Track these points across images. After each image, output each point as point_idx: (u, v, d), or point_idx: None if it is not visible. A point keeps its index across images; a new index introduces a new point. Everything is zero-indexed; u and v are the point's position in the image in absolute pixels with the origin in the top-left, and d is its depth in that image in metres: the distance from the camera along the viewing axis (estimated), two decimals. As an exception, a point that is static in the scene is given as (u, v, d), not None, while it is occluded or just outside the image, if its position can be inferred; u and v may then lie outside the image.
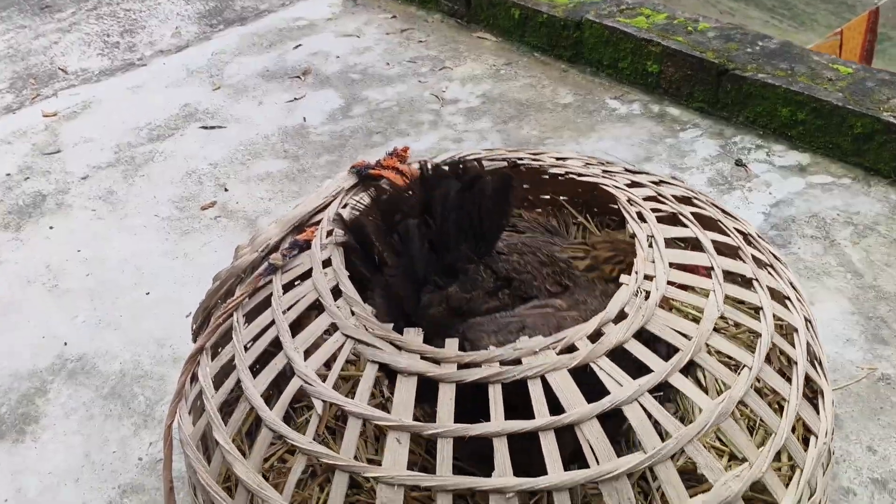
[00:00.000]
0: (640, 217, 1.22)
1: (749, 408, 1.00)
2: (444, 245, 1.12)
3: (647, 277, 1.10)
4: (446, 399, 0.98)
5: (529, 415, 0.96)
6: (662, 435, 0.96)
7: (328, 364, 1.06)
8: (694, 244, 1.23)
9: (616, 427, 1.01)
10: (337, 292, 1.11)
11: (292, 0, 3.43)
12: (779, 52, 2.44)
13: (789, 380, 1.08)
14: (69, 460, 1.55)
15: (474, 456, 1.06)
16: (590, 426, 0.95)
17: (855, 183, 2.12)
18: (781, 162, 2.24)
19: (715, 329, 1.05)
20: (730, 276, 1.15)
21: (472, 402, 1.02)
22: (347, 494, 0.98)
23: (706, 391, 1.34)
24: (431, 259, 1.11)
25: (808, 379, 1.09)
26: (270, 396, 1.29)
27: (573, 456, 0.97)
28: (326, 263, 1.15)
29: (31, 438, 1.60)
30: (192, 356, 1.19)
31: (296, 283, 1.18)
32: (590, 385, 1.00)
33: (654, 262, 1.13)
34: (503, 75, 2.79)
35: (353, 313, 1.07)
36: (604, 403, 0.96)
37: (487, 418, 0.96)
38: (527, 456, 0.95)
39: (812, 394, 1.11)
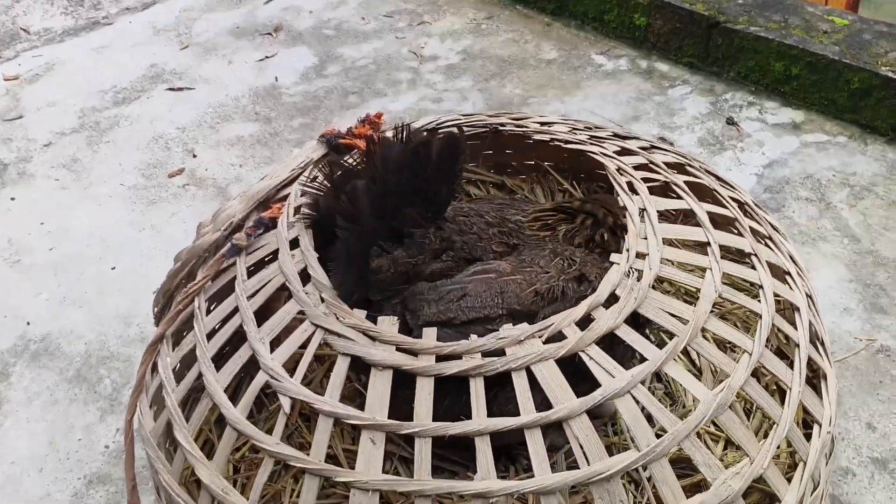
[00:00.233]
0: (631, 188, 1.13)
1: (749, 395, 0.94)
2: (391, 209, 1.07)
3: (640, 255, 1.02)
4: (424, 394, 0.90)
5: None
6: (656, 429, 0.90)
7: (298, 355, 0.98)
8: (688, 216, 1.16)
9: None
10: (306, 276, 1.03)
11: (263, -48, 3.28)
12: (771, 4, 2.34)
13: (790, 362, 1.02)
14: (32, 448, 1.47)
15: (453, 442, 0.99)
16: (579, 423, 0.88)
17: (851, 141, 2.04)
18: (774, 120, 2.16)
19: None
20: (727, 252, 1.08)
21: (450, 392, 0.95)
22: (323, 487, 0.91)
23: (700, 372, 1.28)
24: (379, 223, 1.06)
25: (809, 361, 1.02)
26: (241, 383, 1.23)
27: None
28: (294, 244, 1.07)
29: (-8, 425, 1.53)
30: (151, 345, 1.11)
31: (264, 263, 1.10)
32: (574, 369, 0.93)
33: (646, 238, 1.05)
34: (484, 30, 2.67)
35: (322, 300, 0.99)
36: (595, 397, 0.89)
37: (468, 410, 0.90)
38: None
39: (813, 374, 1.05)
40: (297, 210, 1.10)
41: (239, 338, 1.02)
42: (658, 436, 0.87)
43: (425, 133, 1.17)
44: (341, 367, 0.93)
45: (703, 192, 1.19)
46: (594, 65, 2.44)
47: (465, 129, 1.40)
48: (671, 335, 0.95)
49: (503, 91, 2.37)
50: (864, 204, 1.84)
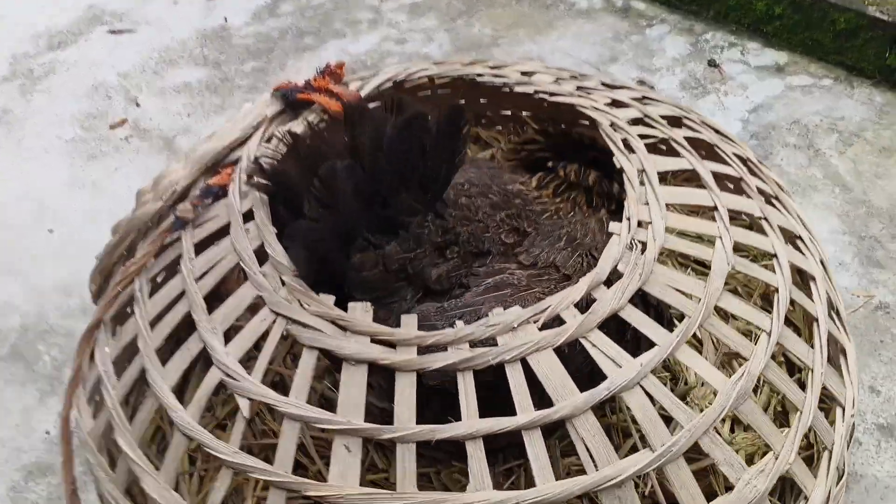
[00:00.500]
0: (627, 146, 1.01)
1: (770, 381, 0.84)
2: (379, 195, 0.90)
3: (641, 224, 0.91)
4: (406, 393, 0.79)
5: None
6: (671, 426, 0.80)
7: (257, 347, 0.85)
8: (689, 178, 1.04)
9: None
10: (263, 255, 0.89)
11: None
12: (752, -64, 2.20)
13: (803, 336, 0.92)
14: (-36, 436, 1.34)
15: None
16: (584, 421, 0.77)
17: (837, 84, 1.93)
18: (757, 62, 2.04)
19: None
20: (734, 216, 0.97)
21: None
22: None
23: (700, 343, 1.18)
24: (363, 211, 0.89)
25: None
26: (192, 370, 1.09)
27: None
28: (248, 217, 0.93)
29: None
30: (88, 331, 0.97)
31: (214, 237, 0.96)
32: (571, 359, 0.82)
33: (647, 203, 0.93)
34: (448, -35, 2.50)
35: (283, 283, 0.86)
36: (601, 391, 0.78)
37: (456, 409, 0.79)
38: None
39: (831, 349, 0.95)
40: (250, 176, 0.96)
41: (188, 326, 0.89)
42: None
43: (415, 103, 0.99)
44: (308, 363, 0.81)
45: (703, 149, 1.07)
46: (567, 2, 2.29)
47: (437, 80, 1.27)
48: (680, 315, 0.85)
49: (471, 31, 2.21)
50: (854, 150, 1.74)
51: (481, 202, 0.99)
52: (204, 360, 0.86)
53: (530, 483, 0.74)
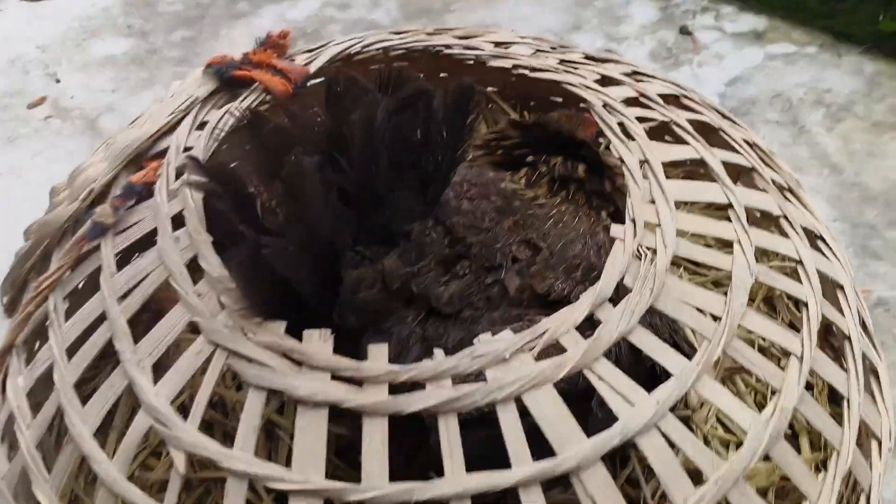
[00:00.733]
0: (625, 131, 0.88)
1: (805, 417, 0.72)
2: (371, 195, 0.74)
3: (648, 226, 0.77)
4: (376, 442, 0.64)
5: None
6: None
7: (193, 385, 0.70)
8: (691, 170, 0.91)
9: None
10: (197, 269, 0.74)
11: None
12: None
13: (835, 357, 0.80)
14: None
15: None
16: (593, 475, 0.64)
17: (822, 52, 1.82)
18: (733, 28, 1.92)
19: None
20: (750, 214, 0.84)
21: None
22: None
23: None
24: (347, 217, 0.73)
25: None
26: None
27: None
28: (178, 222, 0.77)
29: None
30: (-3, 357, 0.81)
31: (138, 246, 0.81)
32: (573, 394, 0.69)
33: (653, 201, 0.80)
34: (401, -76, 2.32)
35: (222, 306, 0.71)
36: (612, 436, 0.65)
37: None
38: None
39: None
40: (179, 172, 0.80)
41: (112, 353, 0.74)
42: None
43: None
44: (255, 405, 0.66)
45: (708, 134, 0.94)
46: (528, -34, 2.14)
47: (392, 53, 1.10)
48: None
49: (422, -6, 2.05)
50: (843, 127, 1.63)
51: (486, 206, 0.82)
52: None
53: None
